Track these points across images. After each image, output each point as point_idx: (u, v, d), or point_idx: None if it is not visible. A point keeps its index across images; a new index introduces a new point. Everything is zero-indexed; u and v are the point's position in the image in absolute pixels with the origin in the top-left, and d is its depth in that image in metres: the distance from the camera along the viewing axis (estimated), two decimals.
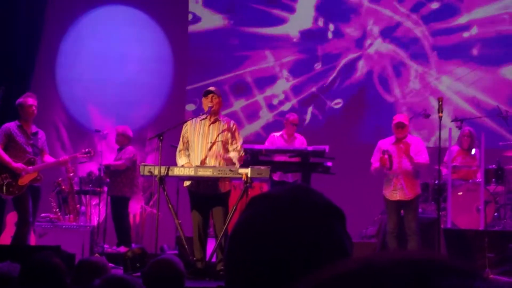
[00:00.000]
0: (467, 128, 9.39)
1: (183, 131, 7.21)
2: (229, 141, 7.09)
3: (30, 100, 7.84)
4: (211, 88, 7.21)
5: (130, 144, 9.72)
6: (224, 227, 6.81)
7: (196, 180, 6.99)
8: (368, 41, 11.66)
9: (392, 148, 7.96)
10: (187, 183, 7.11)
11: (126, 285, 2.71)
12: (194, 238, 7.04)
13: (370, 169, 8.15)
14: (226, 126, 7.12)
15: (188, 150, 7.16)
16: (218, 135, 7.06)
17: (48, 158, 8.05)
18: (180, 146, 7.19)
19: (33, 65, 11.14)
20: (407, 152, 7.86)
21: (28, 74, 11.05)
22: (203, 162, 7.00)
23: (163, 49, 11.81)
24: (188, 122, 7.23)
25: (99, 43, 11.71)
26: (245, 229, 1.09)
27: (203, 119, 7.14)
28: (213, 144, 7.04)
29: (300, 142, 9.49)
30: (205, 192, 7.00)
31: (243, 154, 7.18)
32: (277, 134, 9.64)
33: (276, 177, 8.92)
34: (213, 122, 7.12)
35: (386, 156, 7.84)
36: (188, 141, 7.16)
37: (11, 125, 7.82)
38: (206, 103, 7.09)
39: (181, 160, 7.12)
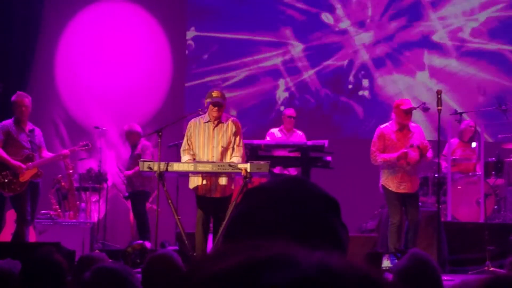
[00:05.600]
0: (470, 120, 9.41)
1: (188, 132, 7.19)
2: (233, 139, 7.12)
3: (26, 100, 7.85)
4: (219, 100, 7.07)
5: (141, 139, 9.57)
6: (224, 223, 6.82)
7: (202, 186, 7.04)
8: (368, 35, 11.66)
9: (396, 136, 7.61)
10: (192, 186, 7.12)
11: (115, 274, 2.70)
12: (197, 233, 7.05)
13: (376, 159, 7.61)
14: (229, 128, 7.13)
15: (192, 150, 7.17)
16: (222, 138, 7.08)
17: (47, 154, 8.09)
18: (185, 146, 7.19)
19: (31, 62, 11.14)
20: (424, 152, 7.48)
21: (26, 71, 11.04)
22: None
23: (162, 45, 11.79)
24: (192, 124, 7.20)
25: (97, 39, 11.69)
26: (240, 221, 1.09)
27: (207, 121, 7.14)
28: (220, 148, 7.06)
29: (299, 136, 9.53)
30: (210, 195, 7.06)
31: (244, 156, 7.21)
32: (276, 129, 9.70)
33: (277, 171, 8.94)
34: (217, 125, 7.13)
35: (409, 150, 7.42)
36: (192, 144, 7.17)
37: (8, 123, 7.86)
38: (212, 111, 7.06)
39: (184, 158, 7.13)
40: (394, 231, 7.61)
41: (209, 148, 7.09)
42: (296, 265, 0.71)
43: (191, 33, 11.78)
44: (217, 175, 6.96)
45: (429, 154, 7.66)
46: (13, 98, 7.91)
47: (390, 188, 7.63)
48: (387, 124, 7.76)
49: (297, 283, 0.69)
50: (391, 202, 7.68)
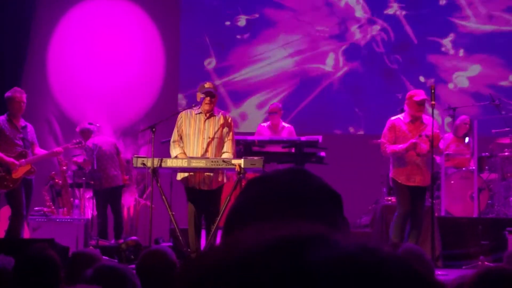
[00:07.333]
0: (466, 116, 9.40)
1: (178, 123, 7.15)
2: (225, 133, 7.08)
3: (24, 96, 7.84)
4: (211, 90, 7.04)
5: (89, 138, 9.51)
6: (218, 219, 6.81)
7: (190, 176, 6.99)
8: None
9: (408, 128, 7.35)
10: (180, 177, 7.09)
11: (117, 273, 2.71)
12: (190, 228, 7.04)
13: (386, 150, 7.37)
14: (221, 121, 7.09)
15: (182, 142, 7.12)
16: (213, 130, 7.04)
17: (39, 151, 8.08)
18: (175, 137, 7.12)
19: (24, 59, 11.10)
20: (437, 144, 7.23)
21: (19, 68, 11.01)
22: None
23: (154, 41, 11.77)
24: (183, 114, 7.15)
25: (89, 36, 11.66)
26: (238, 214, 1.08)
27: (198, 113, 7.10)
28: (210, 140, 7.01)
29: (288, 131, 9.48)
30: (200, 187, 7.01)
31: (235, 153, 7.17)
32: (265, 124, 9.68)
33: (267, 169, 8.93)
34: (208, 118, 7.08)
35: (419, 141, 7.15)
36: (182, 134, 7.12)
37: (0, 119, 7.82)
38: (204, 103, 7.03)
39: (175, 150, 7.07)
40: (400, 223, 7.32)
41: (199, 140, 7.03)
42: (337, 244, 0.70)
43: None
44: (211, 171, 6.94)
45: (441, 144, 7.46)
46: (10, 93, 7.83)
47: (399, 181, 7.37)
48: (399, 115, 7.52)
49: (340, 260, 0.68)
50: (400, 193, 7.42)
